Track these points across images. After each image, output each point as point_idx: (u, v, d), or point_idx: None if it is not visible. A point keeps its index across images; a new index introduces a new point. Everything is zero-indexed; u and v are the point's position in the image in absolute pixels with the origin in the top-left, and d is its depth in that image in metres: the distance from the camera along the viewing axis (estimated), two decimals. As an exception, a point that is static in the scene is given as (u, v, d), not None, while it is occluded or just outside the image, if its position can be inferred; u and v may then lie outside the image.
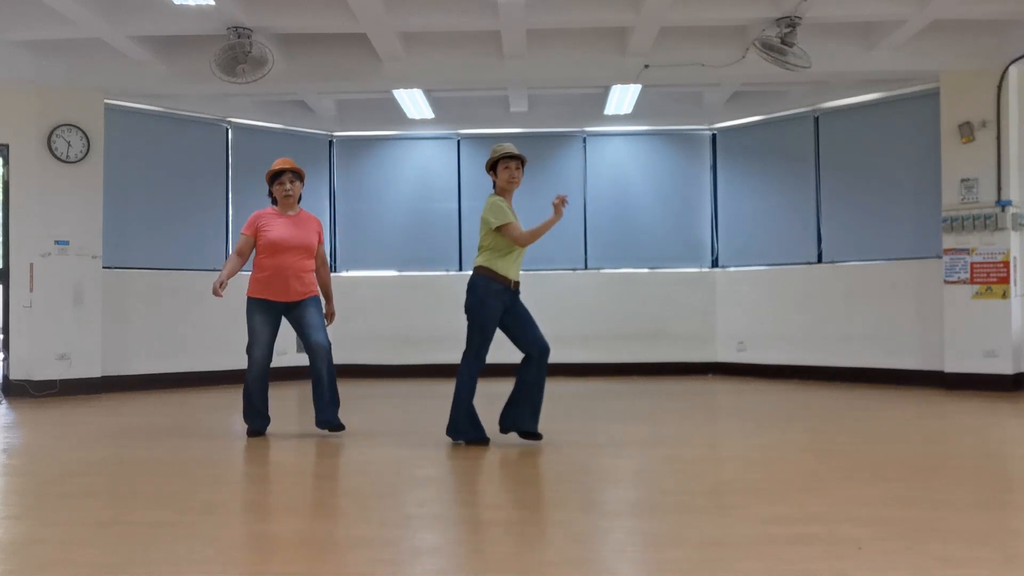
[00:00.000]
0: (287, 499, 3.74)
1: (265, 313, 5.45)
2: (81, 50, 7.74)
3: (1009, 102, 7.57)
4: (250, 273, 5.52)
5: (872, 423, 5.86)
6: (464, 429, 5.00)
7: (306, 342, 5.53)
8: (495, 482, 4.17)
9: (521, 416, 4.98)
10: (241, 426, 5.71)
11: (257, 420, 5.54)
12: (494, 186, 5.12)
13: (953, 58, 7.67)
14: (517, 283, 5.05)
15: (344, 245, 10.05)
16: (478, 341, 4.97)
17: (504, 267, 4.97)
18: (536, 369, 4.96)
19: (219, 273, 5.34)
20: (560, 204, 4.90)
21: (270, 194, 5.52)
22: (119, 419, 6.50)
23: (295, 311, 5.50)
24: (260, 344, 5.51)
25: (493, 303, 4.91)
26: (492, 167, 5.08)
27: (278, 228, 5.37)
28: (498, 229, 4.90)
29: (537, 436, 4.97)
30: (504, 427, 5.03)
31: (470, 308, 4.97)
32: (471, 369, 5.01)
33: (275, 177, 5.41)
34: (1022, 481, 4.15)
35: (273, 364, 9.23)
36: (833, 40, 7.50)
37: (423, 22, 7.12)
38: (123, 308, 8.40)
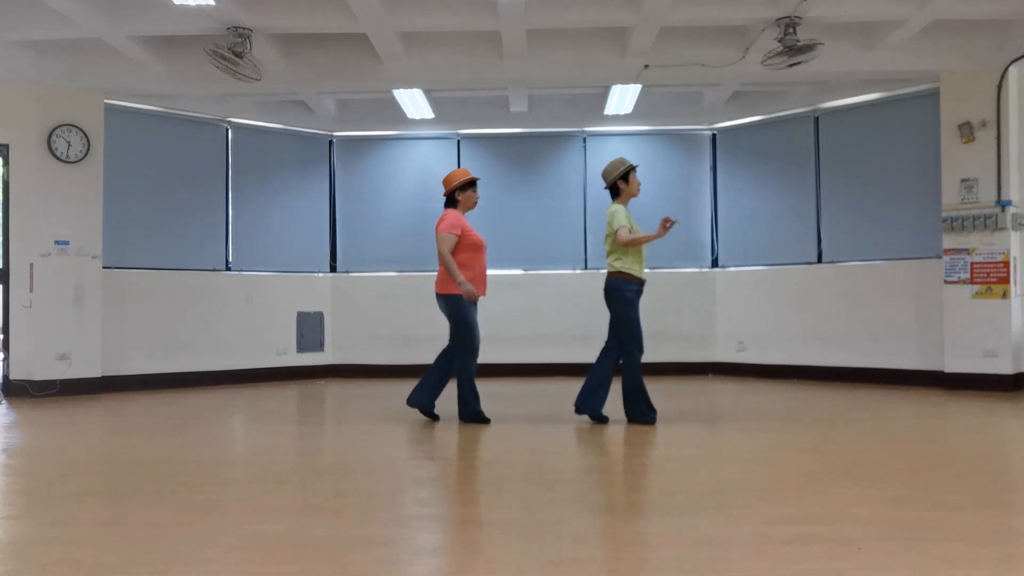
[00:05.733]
0: (287, 499, 3.74)
1: (474, 307, 5.87)
2: (81, 50, 7.74)
3: (1009, 102, 7.57)
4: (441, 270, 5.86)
5: (872, 423, 5.86)
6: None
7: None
8: (495, 482, 4.17)
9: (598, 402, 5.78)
10: (244, 424, 5.70)
11: (478, 403, 5.88)
12: (614, 196, 5.85)
13: (953, 58, 7.68)
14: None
15: (344, 245, 10.05)
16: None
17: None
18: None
19: (459, 279, 5.71)
20: (665, 224, 5.59)
21: (452, 199, 5.99)
22: (119, 419, 6.50)
23: (475, 307, 5.93)
24: (479, 335, 5.90)
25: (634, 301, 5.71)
26: (618, 179, 5.81)
27: (474, 230, 5.93)
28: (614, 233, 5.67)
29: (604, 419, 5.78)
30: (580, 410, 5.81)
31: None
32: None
33: (470, 184, 5.98)
34: (1022, 481, 4.15)
35: (273, 364, 9.37)
36: (833, 40, 7.49)
37: (423, 22, 7.12)
38: (123, 308, 8.40)
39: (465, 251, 5.81)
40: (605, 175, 5.87)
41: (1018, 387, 7.52)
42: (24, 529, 3.28)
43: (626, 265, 5.67)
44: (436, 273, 5.98)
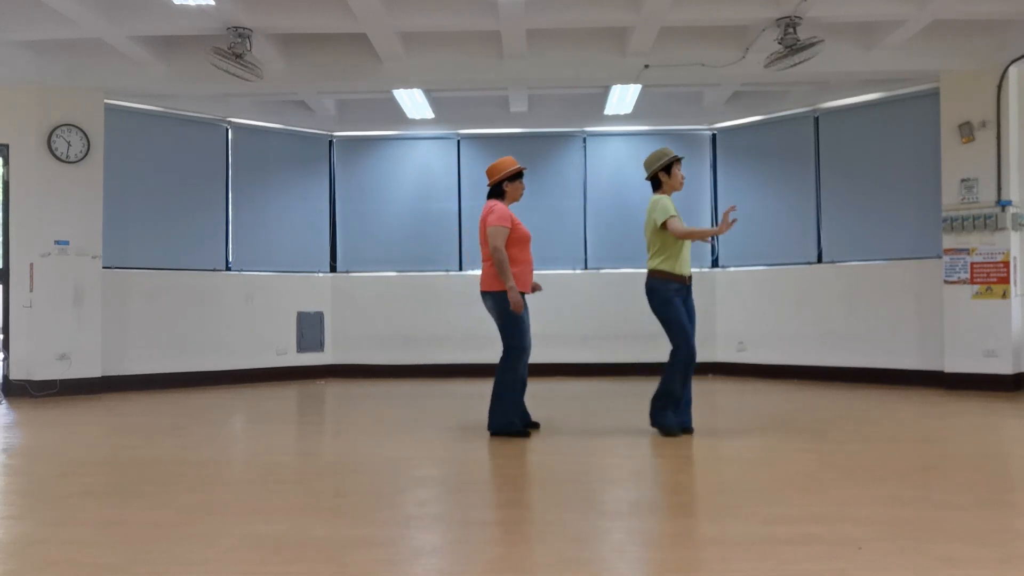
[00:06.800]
0: (287, 499, 3.74)
1: (524, 306, 5.39)
2: (81, 50, 7.74)
3: (1009, 102, 7.57)
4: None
5: (872, 423, 5.86)
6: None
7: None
8: (494, 482, 4.17)
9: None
10: (244, 424, 5.68)
11: (518, 415, 5.45)
12: (655, 189, 5.47)
13: (953, 58, 7.68)
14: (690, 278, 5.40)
15: (344, 245, 10.05)
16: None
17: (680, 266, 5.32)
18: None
19: (510, 283, 5.22)
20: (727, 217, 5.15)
21: (498, 190, 5.52)
22: (119, 419, 6.50)
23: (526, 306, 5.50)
24: (530, 336, 5.48)
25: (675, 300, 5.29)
26: (659, 170, 5.43)
27: (521, 223, 5.47)
28: (663, 224, 5.24)
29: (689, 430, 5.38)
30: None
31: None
32: None
33: (518, 174, 5.54)
34: (1022, 481, 4.15)
35: (273, 364, 9.37)
36: (833, 40, 7.50)
37: (423, 22, 7.12)
38: (123, 308, 8.40)
39: (514, 245, 5.34)
40: (646, 165, 5.46)
41: (1018, 387, 7.52)
42: (24, 529, 3.28)
43: (667, 263, 5.27)
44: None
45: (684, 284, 5.32)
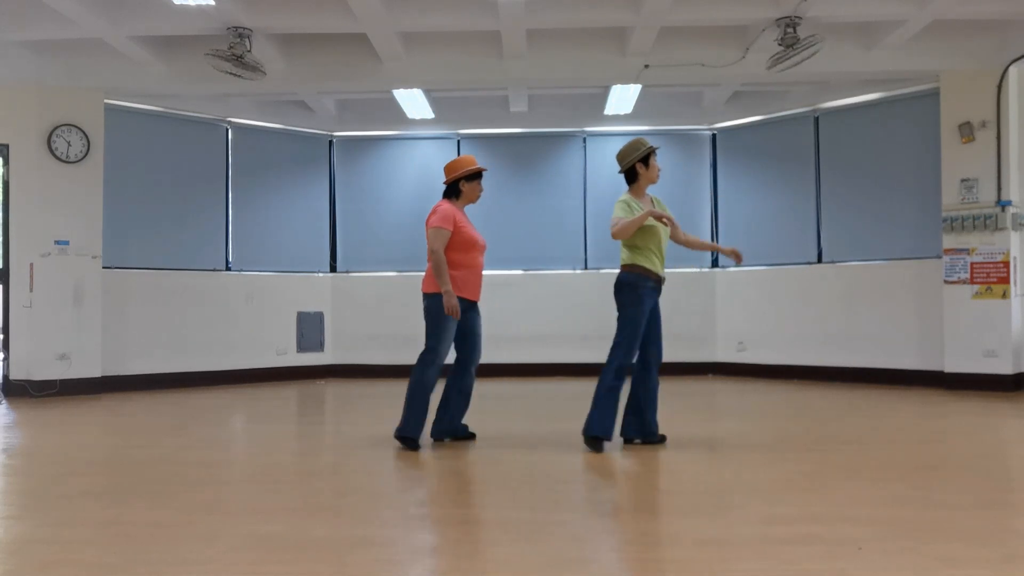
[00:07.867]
0: (287, 499, 3.74)
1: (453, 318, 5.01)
2: (81, 50, 7.74)
3: (1009, 102, 7.57)
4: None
5: (872, 423, 5.86)
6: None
7: (471, 348, 5.22)
8: (495, 482, 4.17)
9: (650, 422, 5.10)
10: (244, 424, 5.66)
11: (422, 427, 5.04)
12: (631, 182, 5.11)
13: (953, 58, 7.68)
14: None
15: (344, 245, 10.05)
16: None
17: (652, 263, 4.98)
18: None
19: (447, 287, 4.89)
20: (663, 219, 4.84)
21: (454, 189, 5.20)
22: (119, 419, 6.50)
23: (470, 313, 5.16)
24: (449, 345, 5.07)
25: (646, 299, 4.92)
26: (637, 161, 5.06)
27: (469, 226, 5.12)
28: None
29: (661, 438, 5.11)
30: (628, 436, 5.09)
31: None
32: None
33: (477, 175, 5.21)
34: (1022, 481, 4.15)
35: (273, 364, 9.38)
36: (833, 40, 7.50)
37: (423, 22, 7.13)
38: (123, 308, 8.40)
39: (455, 250, 5.00)
40: (620, 157, 5.08)
41: (1018, 387, 7.52)
42: (24, 529, 3.28)
43: (642, 258, 4.91)
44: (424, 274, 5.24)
45: (659, 284, 5.00)
